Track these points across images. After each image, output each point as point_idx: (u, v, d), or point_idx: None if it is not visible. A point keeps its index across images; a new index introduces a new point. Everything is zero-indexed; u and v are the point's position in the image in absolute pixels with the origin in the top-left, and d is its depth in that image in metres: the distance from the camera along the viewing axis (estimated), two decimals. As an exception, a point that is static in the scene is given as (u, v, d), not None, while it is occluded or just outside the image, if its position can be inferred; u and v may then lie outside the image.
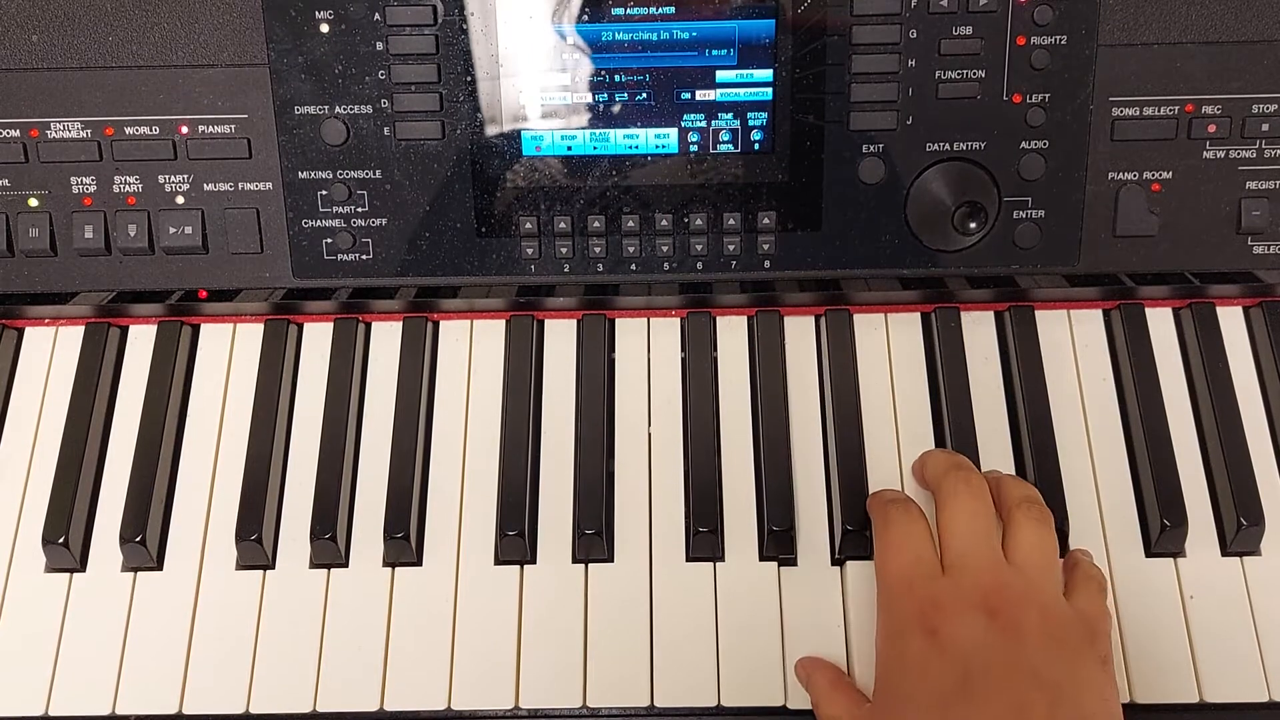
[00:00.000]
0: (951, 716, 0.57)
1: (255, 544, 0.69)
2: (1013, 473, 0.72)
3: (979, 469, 0.71)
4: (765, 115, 0.71)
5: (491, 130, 0.72)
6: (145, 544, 0.70)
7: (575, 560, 0.70)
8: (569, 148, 0.72)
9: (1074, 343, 0.76)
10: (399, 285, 0.75)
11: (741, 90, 0.71)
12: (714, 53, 0.70)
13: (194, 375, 0.76)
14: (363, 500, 0.72)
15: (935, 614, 0.60)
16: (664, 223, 0.73)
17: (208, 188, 0.73)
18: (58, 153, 0.72)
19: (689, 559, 0.70)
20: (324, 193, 0.72)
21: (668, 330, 0.77)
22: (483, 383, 0.75)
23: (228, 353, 0.77)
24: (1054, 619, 0.60)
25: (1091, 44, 0.70)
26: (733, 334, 0.77)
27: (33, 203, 0.73)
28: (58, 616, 0.69)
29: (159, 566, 0.71)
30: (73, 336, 0.77)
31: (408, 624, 0.69)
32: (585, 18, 0.70)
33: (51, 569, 0.71)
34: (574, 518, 0.71)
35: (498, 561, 0.70)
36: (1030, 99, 0.71)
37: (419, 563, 0.70)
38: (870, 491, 0.70)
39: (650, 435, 0.74)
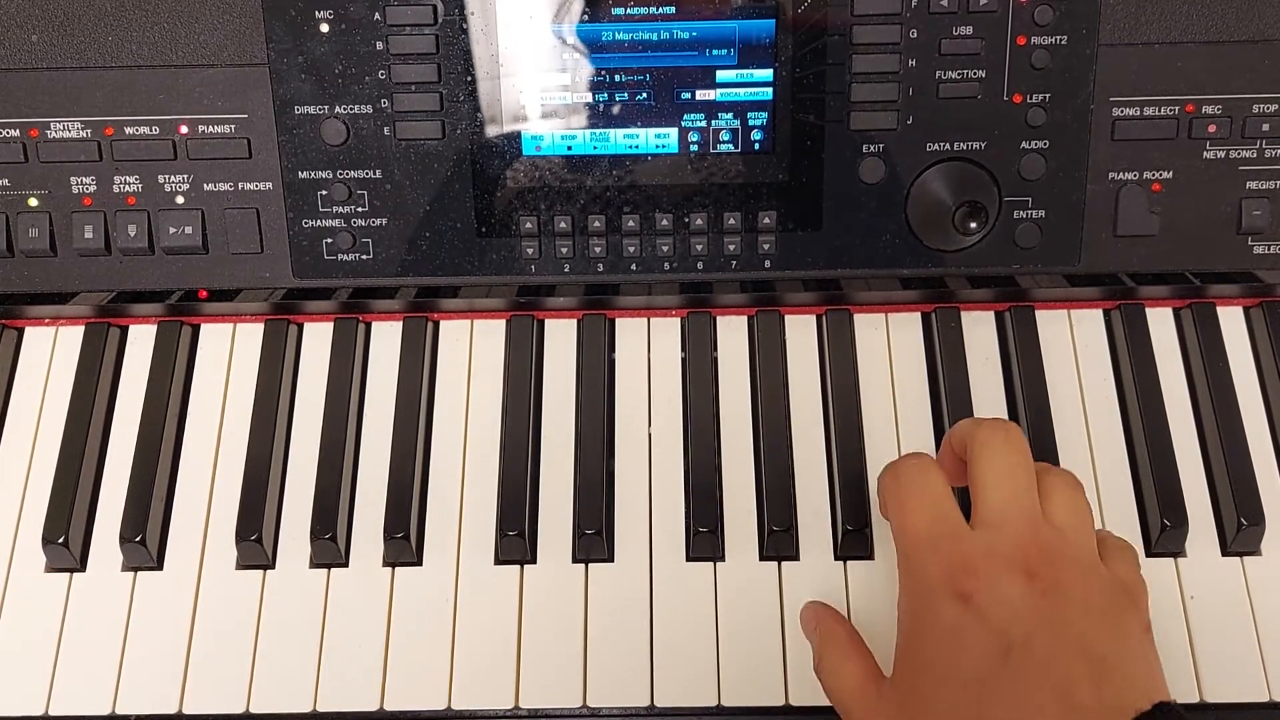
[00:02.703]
0: (989, 695, 0.52)
1: (255, 544, 0.69)
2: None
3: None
4: (765, 115, 0.71)
5: (492, 130, 0.71)
6: (145, 544, 0.70)
7: (575, 560, 0.70)
8: (569, 147, 0.72)
9: (1074, 343, 0.76)
10: (399, 285, 0.75)
11: (741, 90, 0.71)
12: (714, 52, 0.70)
13: (194, 375, 0.76)
14: (363, 500, 0.72)
15: (966, 577, 0.54)
16: (664, 222, 0.73)
17: (208, 188, 0.73)
18: (58, 153, 0.72)
19: (689, 559, 0.70)
20: (324, 193, 0.72)
21: (668, 330, 0.77)
22: (483, 383, 0.75)
23: (228, 353, 0.77)
24: (1096, 582, 0.55)
25: (1092, 44, 0.70)
26: (733, 334, 0.77)
27: (33, 203, 0.73)
28: (58, 616, 0.69)
29: (159, 566, 0.71)
30: (73, 336, 0.77)
31: (408, 624, 0.69)
32: (585, 18, 0.70)
33: (51, 569, 0.71)
34: (574, 518, 0.71)
35: (498, 561, 0.70)
36: (1031, 99, 0.71)
37: (419, 563, 0.70)
38: (870, 489, 0.70)
39: (650, 435, 0.74)
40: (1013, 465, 0.58)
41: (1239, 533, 0.69)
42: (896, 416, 0.74)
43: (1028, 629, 0.53)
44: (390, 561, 0.70)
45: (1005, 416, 0.73)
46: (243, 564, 0.70)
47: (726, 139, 0.72)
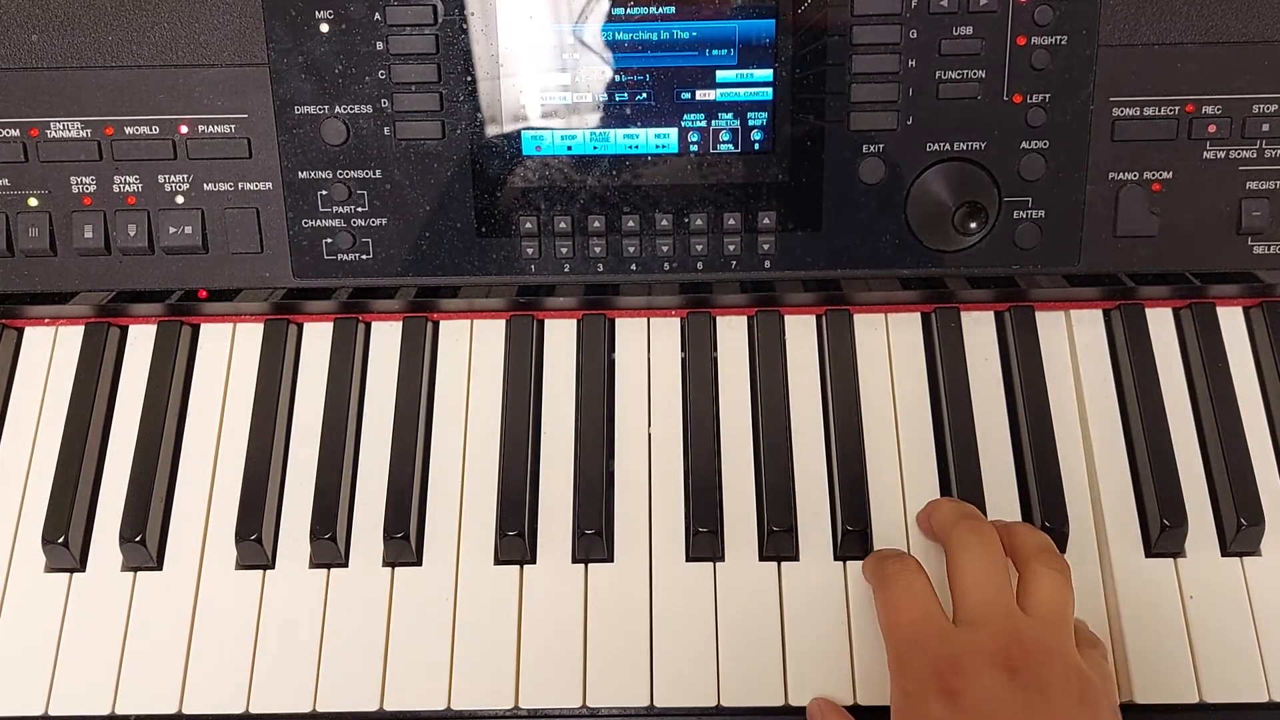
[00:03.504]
0: None
1: (255, 544, 0.69)
2: (1013, 475, 0.72)
3: (979, 472, 0.71)
4: (765, 115, 0.71)
5: (491, 130, 0.72)
6: (145, 544, 0.70)
7: (575, 560, 0.70)
8: (569, 147, 0.72)
9: (1074, 343, 0.76)
10: (399, 285, 0.75)
11: (741, 90, 0.71)
12: (714, 52, 0.70)
13: (194, 375, 0.76)
14: (363, 500, 0.72)
15: (954, 675, 0.58)
16: (664, 223, 0.73)
17: (208, 187, 0.73)
18: (58, 152, 0.72)
19: (689, 559, 0.70)
20: (324, 193, 0.72)
21: (668, 330, 0.77)
22: (483, 382, 0.75)
23: (228, 353, 0.77)
24: (1074, 673, 0.59)
25: (1092, 44, 0.70)
26: (733, 334, 0.77)
27: (33, 202, 0.73)
28: (58, 616, 0.69)
29: (159, 566, 0.71)
30: (73, 336, 0.77)
31: (408, 624, 0.69)
32: (585, 18, 0.70)
33: (51, 569, 0.71)
34: (574, 518, 0.71)
35: (498, 561, 0.70)
36: (1030, 99, 0.71)
37: (419, 563, 0.70)
38: (870, 490, 0.71)
39: (650, 435, 0.74)
40: (989, 564, 0.62)
41: (1239, 533, 0.69)
42: (896, 417, 0.74)
43: (1012, 718, 0.56)
44: (390, 561, 0.70)
45: (1005, 416, 0.74)
46: (243, 564, 0.70)
47: (726, 139, 0.72)
